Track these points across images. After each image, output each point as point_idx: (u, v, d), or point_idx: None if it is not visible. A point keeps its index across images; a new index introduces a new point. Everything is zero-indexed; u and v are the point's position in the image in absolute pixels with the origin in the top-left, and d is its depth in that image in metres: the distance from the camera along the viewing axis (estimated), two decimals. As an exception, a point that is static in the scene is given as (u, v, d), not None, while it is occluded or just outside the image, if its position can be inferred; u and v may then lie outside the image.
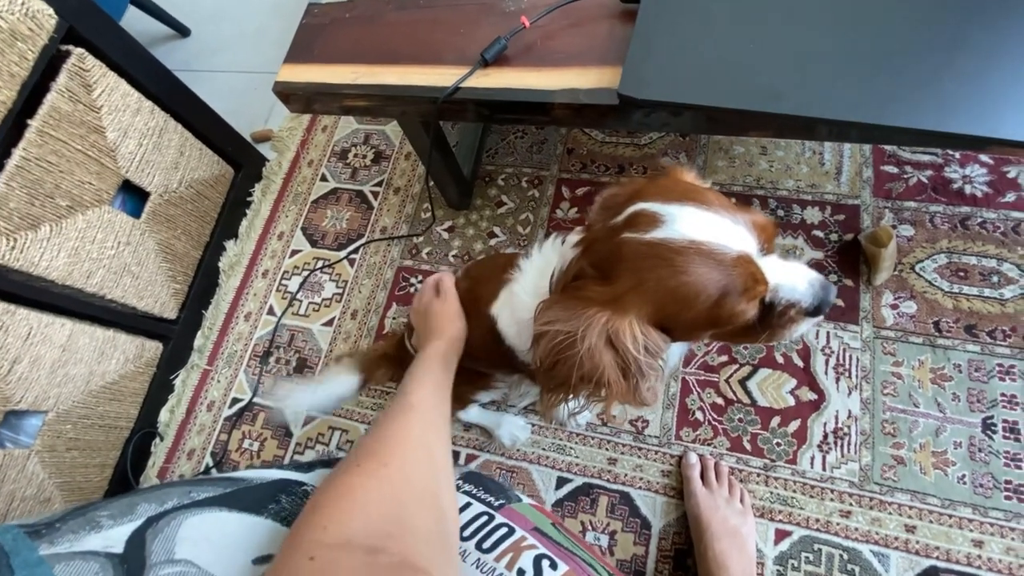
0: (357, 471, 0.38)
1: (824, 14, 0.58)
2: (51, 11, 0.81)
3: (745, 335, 0.47)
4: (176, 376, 1.16)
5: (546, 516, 0.59)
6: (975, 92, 0.51)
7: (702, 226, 0.42)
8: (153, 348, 1.11)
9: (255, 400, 1.11)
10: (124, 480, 1.09)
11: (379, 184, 1.25)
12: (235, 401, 1.12)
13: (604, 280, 0.44)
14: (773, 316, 0.45)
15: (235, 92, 1.46)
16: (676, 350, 0.60)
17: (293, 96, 0.79)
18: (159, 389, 1.13)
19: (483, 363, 0.70)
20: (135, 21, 1.52)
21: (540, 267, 0.56)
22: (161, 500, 0.37)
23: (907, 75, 0.53)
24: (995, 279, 0.90)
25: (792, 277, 0.45)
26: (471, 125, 1.19)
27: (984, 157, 0.98)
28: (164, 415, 1.13)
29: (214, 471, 1.07)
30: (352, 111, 0.79)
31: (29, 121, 0.81)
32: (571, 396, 0.47)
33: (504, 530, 0.49)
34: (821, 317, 0.47)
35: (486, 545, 0.46)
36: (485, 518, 0.50)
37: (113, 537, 0.33)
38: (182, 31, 1.59)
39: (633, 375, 0.44)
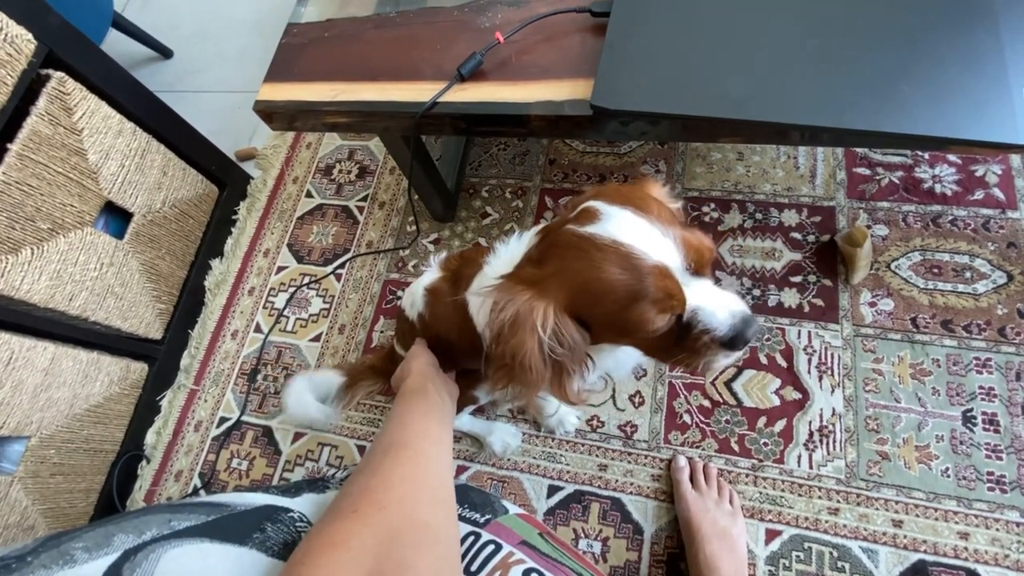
0: (354, 517, 0.36)
1: (786, 23, 0.60)
2: (30, 36, 0.82)
3: (663, 350, 0.47)
4: (162, 397, 1.15)
5: (533, 526, 0.59)
6: (929, 94, 0.53)
7: (629, 229, 0.43)
8: (138, 369, 1.10)
9: (243, 419, 1.10)
10: (110, 505, 1.07)
11: (364, 199, 1.25)
12: (223, 420, 1.11)
13: (539, 264, 0.46)
14: (689, 339, 0.45)
15: (219, 112, 1.47)
16: (624, 361, 0.60)
17: (275, 114, 0.80)
18: (145, 410, 1.12)
19: (462, 352, 0.69)
20: (117, 44, 1.53)
21: (513, 253, 0.56)
22: (139, 530, 0.36)
23: (865, 80, 0.55)
24: (968, 275, 0.93)
25: (714, 304, 0.44)
26: (453, 139, 1.20)
27: (952, 157, 1.01)
28: (151, 437, 1.12)
29: (202, 492, 1.06)
30: (334, 128, 0.80)
31: (9, 145, 0.81)
32: (509, 379, 0.47)
33: (491, 548, 0.48)
34: (739, 353, 0.46)
35: (474, 567, 0.46)
36: (472, 538, 0.50)
37: (86, 573, 0.32)
38: (165, 53, 1.60)
39: (557, 366, 0.44)
